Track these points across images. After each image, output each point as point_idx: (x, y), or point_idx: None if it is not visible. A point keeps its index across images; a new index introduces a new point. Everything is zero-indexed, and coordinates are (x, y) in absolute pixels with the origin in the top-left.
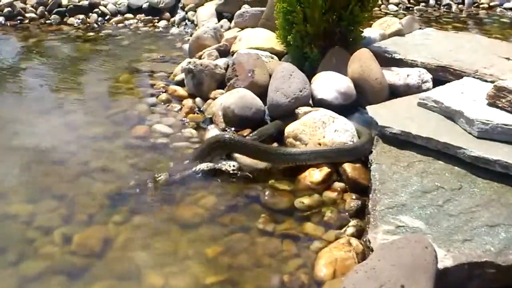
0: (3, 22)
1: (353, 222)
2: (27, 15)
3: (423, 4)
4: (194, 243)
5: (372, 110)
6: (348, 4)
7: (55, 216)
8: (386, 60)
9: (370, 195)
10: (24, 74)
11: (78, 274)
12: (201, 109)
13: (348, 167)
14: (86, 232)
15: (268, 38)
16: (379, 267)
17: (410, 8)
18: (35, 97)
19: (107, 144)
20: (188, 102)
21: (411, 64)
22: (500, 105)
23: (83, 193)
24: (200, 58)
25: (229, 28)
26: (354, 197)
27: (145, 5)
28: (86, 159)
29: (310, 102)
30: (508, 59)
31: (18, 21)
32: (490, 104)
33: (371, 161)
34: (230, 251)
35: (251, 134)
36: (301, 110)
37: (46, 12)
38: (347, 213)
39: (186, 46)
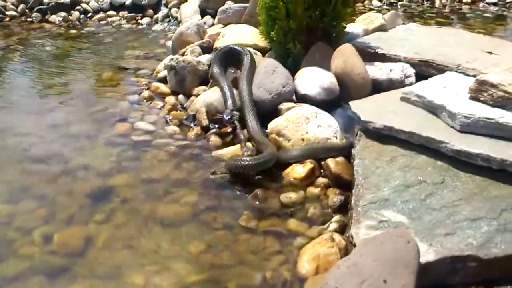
0: None
1: (336, 217)
2: (7, 13)
3: None
4: (176, 241)
5: (355, 105)
6: None
7: (35, 216)
8: (369, 55)
9: (353, 190)
10: (5, 73)
11: (59, 274)
12: (184, 106)
13: (331, 162)
14: (67, 231)
15: (252, 34)
16: (361, 262)
17: (394, 4)
18: (16, 96)
19: (89, 142)
20: (170, 99)
21: (394, 59)
22: (482, 99)
23: (64, 192)
24: (183, 54)
25: (213, 25)
26: (337, 192)
27: (128, 2)
28: (68, 157)
29: (294, 98)
30: (490, 53)
31: None
32: (472, 98)
33: (354, 156)
34: (212, 249)
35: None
36: (284, 106)
37: (27, 10)
38: (330, 209)
39: (169, 43)
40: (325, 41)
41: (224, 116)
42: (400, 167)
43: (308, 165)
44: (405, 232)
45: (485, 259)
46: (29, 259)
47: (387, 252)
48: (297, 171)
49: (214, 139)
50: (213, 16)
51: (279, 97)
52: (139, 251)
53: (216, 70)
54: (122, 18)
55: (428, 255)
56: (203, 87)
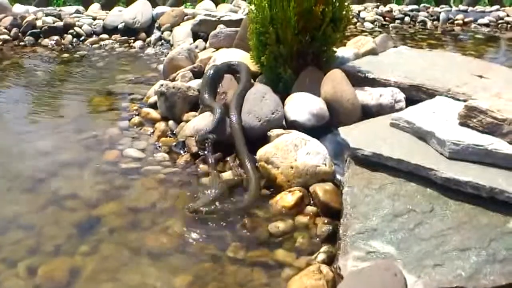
0: None
1: (324, 248)
2: (0, 37)
3: (398, 21)
4: (162, 273)
5: (344, 132)
6: (321, 24)
7: (21, 247)
8: (360, 79)
9: (341, 220)
10: None
11: None
12: (174, 132)
13: (319, 191)
14: (52, 263)
15: (243, 59)
16: None
17: (386, 26)
18: (4, 121)
19: (78, 170)
20: (160, 125)
21: (384, 84)
22: (471, 125)
23: (51, 223)
24: (174, 79)
25: (205, 48)
26: (326, 221)
27: (120, 25)
28: (56, 186)
29: (284, 123)
30: (481, 76)
31: None
32: (461, 124)
33: (343, 184)
34: (199, 281)
35: None
36: (273, 132)
37: (20, 34)
38: (318, 238)
39: (161, 67)
40: (316, 65)
41: (198, 135)
42: (389, 195)
43: (297, 193)
44: (392, 265)
45: None
46: None
47: (373, 286)
48: (286, 199)
49: (203, 166)
50: (205, 40)
51: (268, 123)
52: (125, 284)
53: (205, 95)
54: (115, 42)
55: (416, 287)
56: (193, 113)
